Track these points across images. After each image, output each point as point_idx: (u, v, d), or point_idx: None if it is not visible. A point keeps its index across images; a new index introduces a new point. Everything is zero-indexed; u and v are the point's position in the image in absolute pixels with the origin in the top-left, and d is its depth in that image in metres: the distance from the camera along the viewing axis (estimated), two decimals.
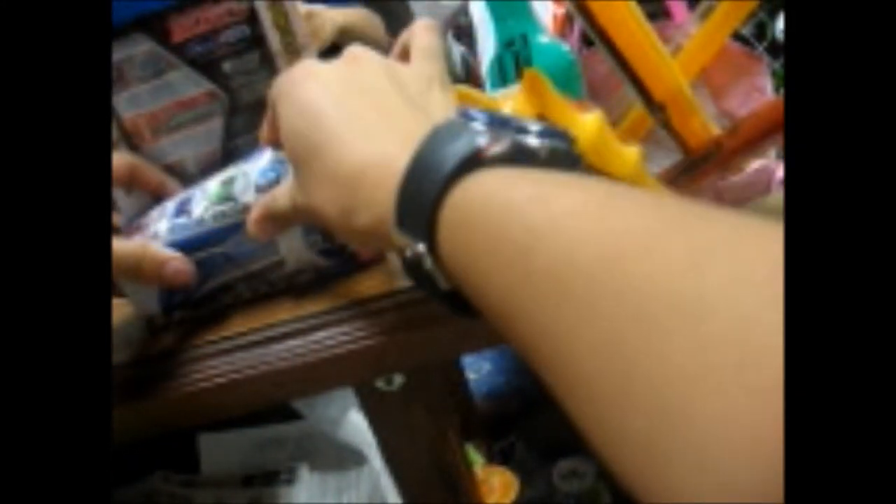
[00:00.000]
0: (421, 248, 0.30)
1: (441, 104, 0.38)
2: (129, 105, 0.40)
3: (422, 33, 0.41)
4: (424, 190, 0.30)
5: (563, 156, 0.32)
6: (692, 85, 1.05)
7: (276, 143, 0.38)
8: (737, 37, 1.11)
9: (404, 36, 0.41)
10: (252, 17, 0.39)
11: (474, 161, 0.30)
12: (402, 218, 0.31)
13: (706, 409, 0.22)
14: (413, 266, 0.32)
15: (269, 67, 0.40)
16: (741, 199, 0.98)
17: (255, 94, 0.41)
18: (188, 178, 0.42)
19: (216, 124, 0.41)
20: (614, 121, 1.08)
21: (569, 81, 0.96)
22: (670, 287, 0.23)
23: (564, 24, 1.24)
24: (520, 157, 0.31)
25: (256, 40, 0.40)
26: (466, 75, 1.63)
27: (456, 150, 0.30)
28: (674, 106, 0.93)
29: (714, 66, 1.08)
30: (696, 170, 1.01)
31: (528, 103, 0.77)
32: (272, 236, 0.40)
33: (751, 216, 0.27)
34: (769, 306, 0.22)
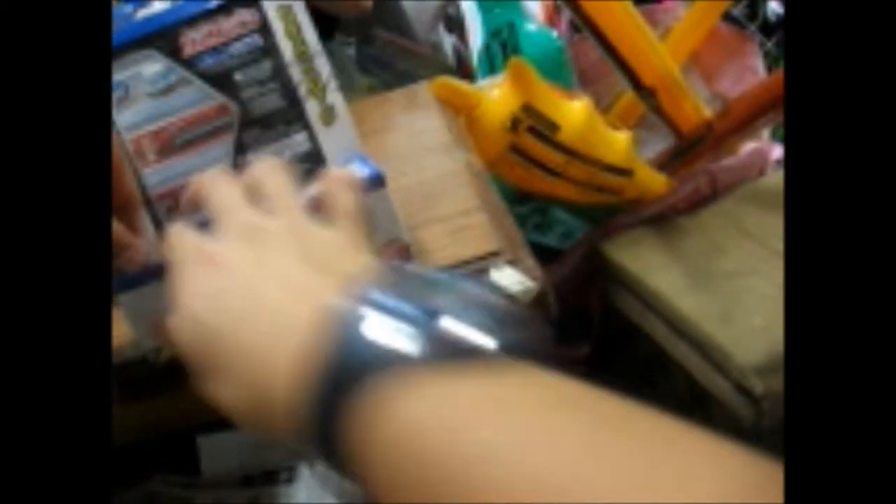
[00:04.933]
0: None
1: (353, 267, 0.33)
2: (134, 123, 0.39)
3: (340, 193, 0.34)
4: (322, 399, 0.27)
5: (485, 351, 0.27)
6: (683, 68, 1.03)
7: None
8: (728, 17, 1.10)
9: (319, 188, 0.34)
10: (264, 28, 0.39)
11: (373, 363, 0.26)
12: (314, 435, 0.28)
13: None
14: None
15: (282, 77, 0.40)
16: (736, 182, 0.97)
17: (267, 106, 0.40)
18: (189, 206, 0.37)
19: (226, 140, 0.40)
20: (606, 106, 1.07)
21: (557, 69, 0.95)
22: None
23: (553, 12, 1.23)
24: (431, 351, 0.27)
25: (269, 50, 0.39)
26: (458, 66, 1.63)
27: (352, 353, 0.27)
28: (664, 90, 0.91)
29: (705, 48, 1.06)
30: (690, 153, 1.00)
31: (513, 92, 0.76)
32: None
33: (698, 432, 0.24)
34: None
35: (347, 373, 0.26)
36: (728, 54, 1.06)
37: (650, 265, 0.87)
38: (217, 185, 0.35)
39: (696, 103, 0.96)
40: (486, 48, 0.98)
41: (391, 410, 0.26)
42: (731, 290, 0.79)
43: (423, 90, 0.74)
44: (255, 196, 0.34)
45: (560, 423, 0.25)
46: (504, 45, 0.96)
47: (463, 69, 1.59)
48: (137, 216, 0.39)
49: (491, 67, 0.98)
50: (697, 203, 0.95)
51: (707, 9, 1.00)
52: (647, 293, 0.84)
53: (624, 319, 0.91)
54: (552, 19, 1.27)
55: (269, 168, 0.35)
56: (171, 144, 0.40)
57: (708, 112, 0.97)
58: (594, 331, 1.06)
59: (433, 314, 0.27)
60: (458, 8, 1.51)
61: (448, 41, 1.67)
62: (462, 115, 0.75)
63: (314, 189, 0.35)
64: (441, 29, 1.68)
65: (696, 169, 0.97)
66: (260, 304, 0.31)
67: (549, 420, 0.25)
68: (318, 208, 0.34)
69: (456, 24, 1.58)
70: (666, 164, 0.96)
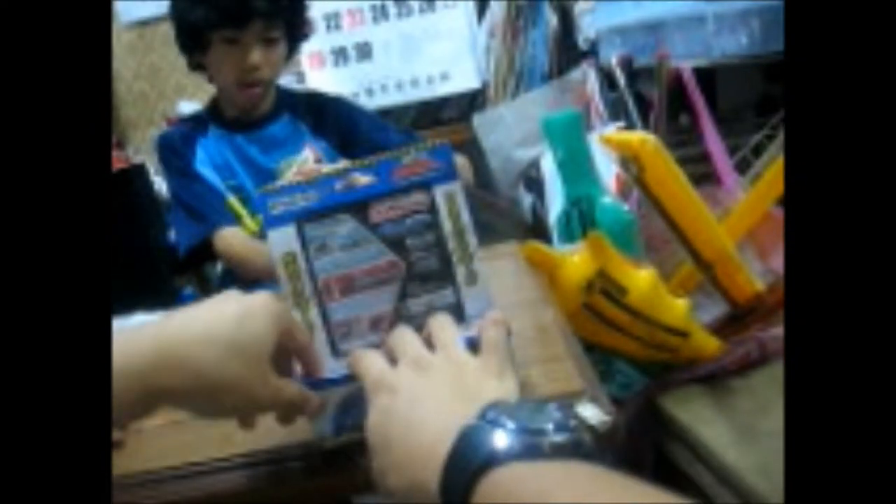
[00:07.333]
0: None
1: (493, 392, 0.44)
2: (329, 268, 0.53)
3: (489, 328, 0.48)
4: (457, 482, 0.39)
5: (567, 447, 0.40)
6: (740, 244, 1.16)
7: None
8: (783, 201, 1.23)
9: (475, 328, 0.48)
10: (432, 208, 0.53)
11: (492, 460, 0.38)
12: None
13: None
14: None
15: (441, 246, 0.53)
16: (783, 351, 1.07)
17: (427, 266, 0.53)
18: (358, 334, 0.53)
19: (393, 288, 0.53)
20: (670, 272, 1.20)
21: (628, 238, 1.08)
22: None
23: (625, 185, 1.38)
24: (530, 453, 0.39)
25: (433, 225, 0.53)
26: (534, 222, 1.79)
27: (478, 452, 0.39)
28: (720, 265, 1.04)
29: (761, 227, 1.19)
30: (741, 321, 1.11)
31: (590, 259, 0.90)
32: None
33: None
34: None
35: (476, 467, 0.39)
36: (781, 235, 1.18)
37: (699, 418, 0.97)
38: (393, 335, 0.49)
39: (749, 277, 1.08)
40: (566, 214, 1.12)
41: (502, 485, 0.38)
42: (774, 447, 0.88)
43: (504, 249, 0.87)
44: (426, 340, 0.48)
45: (614, 495, 0.36)
46: (581, 214, 1.10)
47: (538, 224, 1.74)
48: (311, 351, 0.52)
49: (568, 231, 1.12)
50: (748, 366, 1.06)
51: (763, 194, 1.13)
52: (695, 443, 0.94)
53: (674, 467, 1.00)
54: (623, 191, 1.42)
55: (438, 317, 0.49)
56: (352, 287, 0.53)
57: (760, 285, 1.09)
58: (645, 475, 1.14)
59: (537, 432, 0.40)
60: (539, 171, 1.68)
61: (527, 199, 1.84)
62: (545, 274, 0.88)
63: (472, 329, 0.48)
64: (521, 188, 1.85)
65: (747, 335, 1.08)
66: (419, 421, 0.43)
67: (607, 493, 0.36)
68: (473, 346, 0.47)
69: (535, 185, 1.74)
70: (720, 329, 1.08)
